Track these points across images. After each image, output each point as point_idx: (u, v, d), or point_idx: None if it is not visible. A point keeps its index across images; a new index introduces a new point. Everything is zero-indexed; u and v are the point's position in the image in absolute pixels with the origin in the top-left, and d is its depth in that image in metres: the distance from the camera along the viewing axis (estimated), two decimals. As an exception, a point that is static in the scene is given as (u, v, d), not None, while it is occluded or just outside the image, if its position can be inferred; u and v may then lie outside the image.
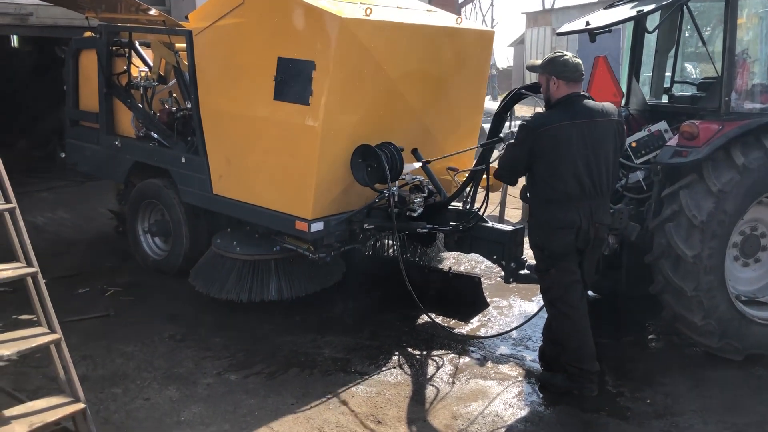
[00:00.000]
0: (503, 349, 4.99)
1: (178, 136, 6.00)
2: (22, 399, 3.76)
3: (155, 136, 6.16)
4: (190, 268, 5.80)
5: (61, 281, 6.06)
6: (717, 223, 4.43)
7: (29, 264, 3.54)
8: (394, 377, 4.55)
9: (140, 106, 6.26)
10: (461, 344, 5.04)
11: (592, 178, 4.07)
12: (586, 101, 4.16)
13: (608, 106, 4.24)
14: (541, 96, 4.39)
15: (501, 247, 5.13)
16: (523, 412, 4.16)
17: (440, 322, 5.39)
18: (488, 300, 5.83)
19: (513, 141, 4.39)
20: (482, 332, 5.29)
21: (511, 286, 5.81)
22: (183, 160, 5.85)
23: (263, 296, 5.29)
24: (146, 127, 6.24)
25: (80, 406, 3.51)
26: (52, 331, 3.55)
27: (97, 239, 7.39)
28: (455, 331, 5.27)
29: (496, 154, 4.81)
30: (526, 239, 4.92)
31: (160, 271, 6.29)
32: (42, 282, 3.54)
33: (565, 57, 4.17)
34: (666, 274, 4.57)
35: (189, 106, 5.79)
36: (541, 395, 4.38)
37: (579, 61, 4.17)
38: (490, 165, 5.05)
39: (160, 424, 3.96)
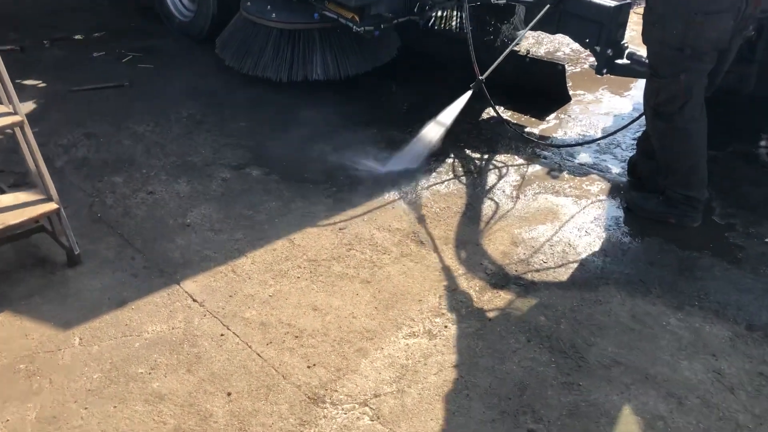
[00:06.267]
0: (583, 157, 4.07)
1: None
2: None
3: None
4: (218, 33, 4.90)
5: (76, 43, 5.31)
6: None
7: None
8: (444, 186, 3.74)
9: None
10: (532, 148, 4.13)
11: None
12: None
13: None
14: None
15: (598, 28, 3.98)
16: (602, 243, 3.34)
17: (509, 117, 4.45)
18: (571, 93, 4.78)
19: None
20: (560, 133, 4.34)
21: (601, 77, 4.71)
22: None
23: (306, 75, 4.43)
24: None
25: (53, 206, 2.88)
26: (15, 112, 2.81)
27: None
28: (527, 130, 4.33)
29: None
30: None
31: (185, 34, 5.40)
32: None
33: None
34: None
35: None
36: (627, 221, 3.52)
37: None
38: None
39: (161, 226, 3.33)
